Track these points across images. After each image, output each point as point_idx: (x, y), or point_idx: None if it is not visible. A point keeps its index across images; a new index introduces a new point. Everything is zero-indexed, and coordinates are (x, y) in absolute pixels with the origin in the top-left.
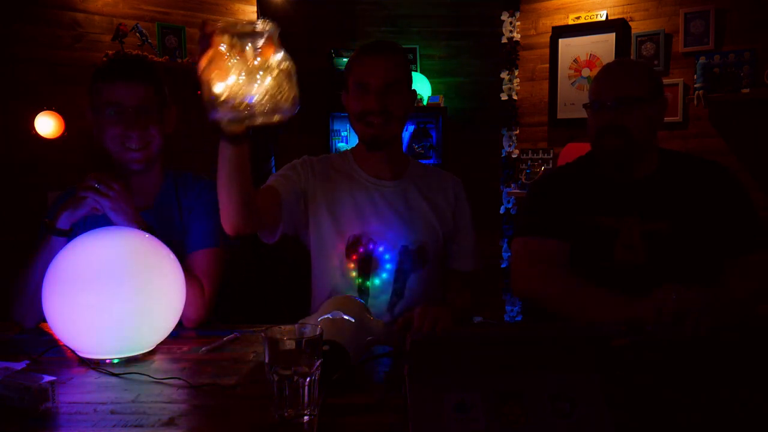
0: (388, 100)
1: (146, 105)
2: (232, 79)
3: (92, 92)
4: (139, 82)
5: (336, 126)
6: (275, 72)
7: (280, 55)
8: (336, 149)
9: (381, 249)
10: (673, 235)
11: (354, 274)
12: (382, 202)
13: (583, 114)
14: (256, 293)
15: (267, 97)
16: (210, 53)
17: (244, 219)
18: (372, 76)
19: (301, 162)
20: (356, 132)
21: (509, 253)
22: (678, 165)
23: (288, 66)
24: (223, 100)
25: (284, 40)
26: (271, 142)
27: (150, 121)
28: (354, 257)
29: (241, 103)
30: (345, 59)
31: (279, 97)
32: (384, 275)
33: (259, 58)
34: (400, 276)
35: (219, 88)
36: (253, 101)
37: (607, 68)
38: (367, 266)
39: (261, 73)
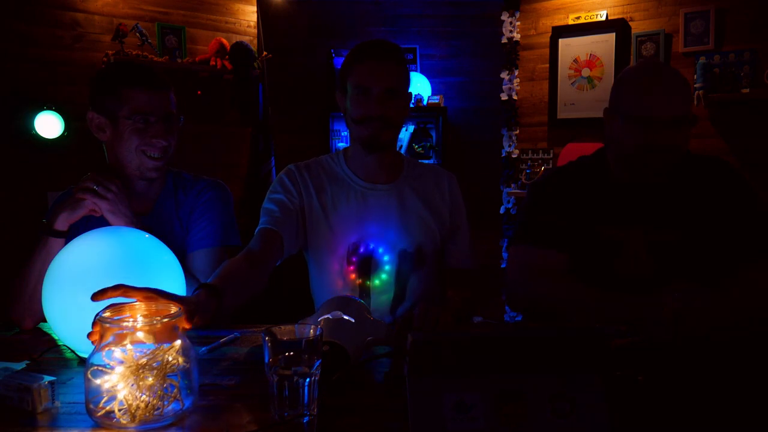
0: (388, 107)
1: (172, 113)
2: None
3: (112, 98)
4: (167, 91)
5: (336, 126)
6: (152, 374)
7: (174, 350)
8: (336, 149)
9: (379, 253)
10: (684, 245)
11: (354, 278)
12: (377, 206)
13: (584, 114)
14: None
15: (136, 403)
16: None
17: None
18: (374, 81)
19: (289, 176)
20: (352, 133)
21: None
22: (683, 167)
23: (176, 364)
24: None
25: (283, 41)
26: (271, 142)
27: (173, 130)
28: (353, 262)
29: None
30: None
31: (146, 405)
32: (384, 278)
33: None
34: (400, 278)
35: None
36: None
37: (656, 78)
38: (367, 270)
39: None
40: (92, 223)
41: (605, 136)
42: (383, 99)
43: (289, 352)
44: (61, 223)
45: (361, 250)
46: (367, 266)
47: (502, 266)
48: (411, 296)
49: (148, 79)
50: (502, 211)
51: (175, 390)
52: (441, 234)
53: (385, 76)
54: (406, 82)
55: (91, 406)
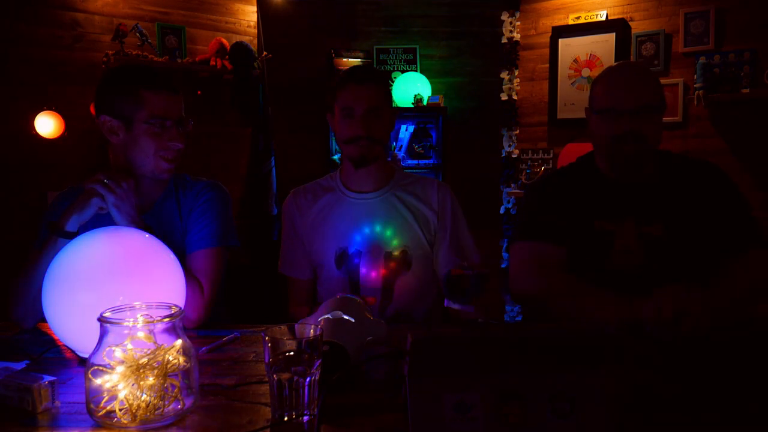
0: (372, 125)
1: (183, 117)
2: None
3: (130, 100)
4: (180, 95)
5: None
6: (152, 374)
7: (174, 351)
8: (336, 149)
9: (365, 257)
10: (668, 236)
11: (344, 282)
12: (363, 213)
13: (584, 114)
14: (257, 293)
15: (137, 402)
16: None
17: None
18: (356, 103)
19: (287, 210)
20: (343, 152)
21: (509, 254)
22: (673, 167)
23: (176, 363)
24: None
25: (283, 41)
26: (271, 142)
27: (185, 133)
28: (342, 267)
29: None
30: (345, 59)
31: (146, 406)
32: (371, 280)
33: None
34: (386, 280)
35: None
36: (115, 406)
37: (620, 73)
38: (355, 274)
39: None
40: (97, 222)
41: (589, 134)
42: (367, 119)
43: (289, 352)
44: (73, 225)
45: (349, 252)
46: (355, 269)
47: (503, 266)
48: (399, 297)
49: (166, 83)
50: (502, 211)
51: (176, 390)
52: (427, 239)
53: (365, 99)
54: (387, 100)
55: (92, 405)
